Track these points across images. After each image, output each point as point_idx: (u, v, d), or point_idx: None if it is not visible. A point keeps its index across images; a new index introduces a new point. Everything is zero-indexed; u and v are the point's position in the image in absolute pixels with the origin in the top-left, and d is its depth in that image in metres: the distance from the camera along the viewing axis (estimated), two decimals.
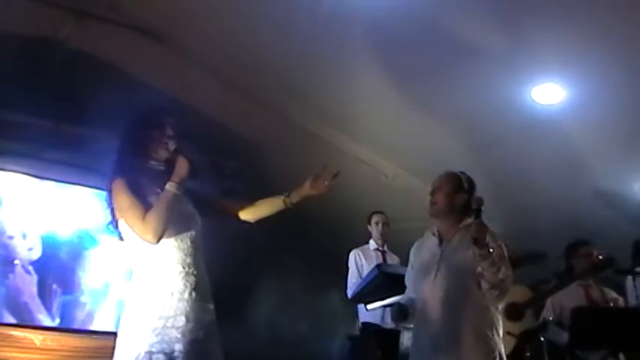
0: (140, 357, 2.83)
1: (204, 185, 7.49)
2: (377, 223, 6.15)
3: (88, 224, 7.20)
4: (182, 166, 3.03)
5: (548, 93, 5.75)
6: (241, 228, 6.71)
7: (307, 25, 5.52)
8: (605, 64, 5.26)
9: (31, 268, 6.85)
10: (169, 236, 3.01)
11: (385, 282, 4.89)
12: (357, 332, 6.02)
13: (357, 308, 5.90)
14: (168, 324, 2.90)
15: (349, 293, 5.70)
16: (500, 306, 3.81)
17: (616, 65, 5.26)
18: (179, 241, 3.05)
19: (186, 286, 2.99)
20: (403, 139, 6.71)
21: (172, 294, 2.96)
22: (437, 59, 5.66)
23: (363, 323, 5.82)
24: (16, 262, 6.81)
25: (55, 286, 6.93)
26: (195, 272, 3.04)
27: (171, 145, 3.14)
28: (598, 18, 4.89)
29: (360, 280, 5.57)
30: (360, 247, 6.09)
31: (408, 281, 4.05)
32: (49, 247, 7.01)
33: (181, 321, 2.92)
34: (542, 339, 5.06)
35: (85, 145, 6.42)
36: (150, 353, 2.83)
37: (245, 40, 6.01)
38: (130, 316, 2.96)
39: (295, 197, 3.32)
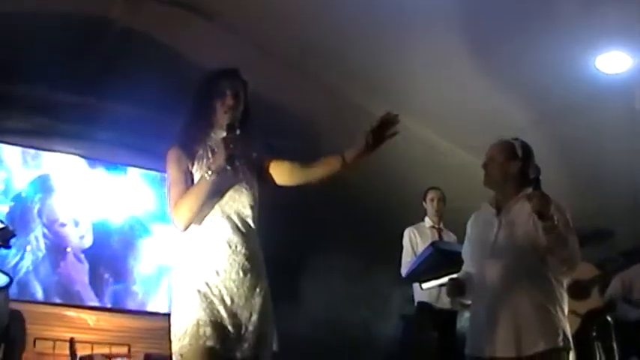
0: (188, 330, 2.74)
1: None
2: (432, 200, 5.95)
3: (140, 212, 7.30)
4: (219, 157, 2.84)
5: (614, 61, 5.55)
6: (297, 209, 6.69)
7: (369, 6, 5.45)
8: None
9: (82, 256, 6.98)
10: (215, 212, 2.89)
11: (441, 260, 4.76)
12: (411, 312, 5.88)
13: (412, 288, 5.74)
14: (216, 301, 2.80)
15: (403, 272, 5.55)
16: (565, 282, 3.61)
17: None
18: (226, 217, 2.90)
19: (232, 266, 2.86)
20: (462, 115, 6.56)
21: (218, 273, 2.83)
22: (499, 30, 5.54)
23: (418, 303, 5.63)
24: (68, 249, 6.94)
25: (106, 275, 7.04)
26: (244, 251, 2.89)
27: (226, 119, 2.93)
28: None
29: (414, 259, 5.43)
30: (415, 225, 5.91)
31: (464, 255, 3.87)
32: (101, 235, 7.12)
33: (227, 301, 2.81)
34: (608, 318, 4.92)
35: (135, 125, 6.49)
36: (197, 326, 2.73)
37: (299, 17, 5.96)
38: (179, 290, 2.87)
39: (351, 154, 2.90)
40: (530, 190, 3.47)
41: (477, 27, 5.64)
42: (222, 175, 2.86)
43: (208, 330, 2.72)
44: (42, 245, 6.78)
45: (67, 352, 5.78)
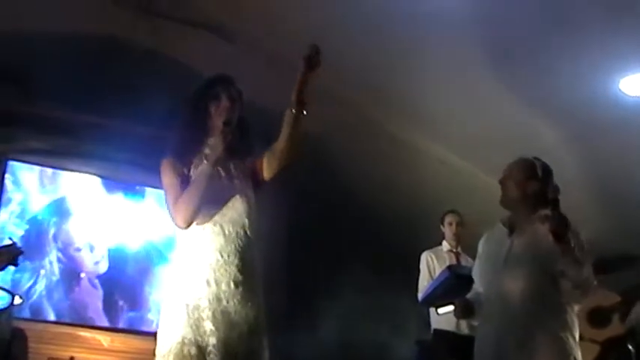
0: (172, 348, 2.71)
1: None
2: (450, 224, 5.92)
3: (157, 238, 7.28)
4: (217, 146, 2.86)
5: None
6: (310, 232, 6.64)
7: (385, 18, 5.39)
8: None
9: (97, 281, 7.00)
10: (207, 221, 2.87)
11: (457, 284, 4.68)
12: (427, 338, 5.82)
13: (429, 313, 5.72)
14: (204, 315, 2.76)
15: (420, 297, 5.54)
16: (577, 308, 3.55)
17: None
18: (219, 226, 2.87)
19: (223, 276, 2.82)
20: (481, 135, 6.51)
21: (209, 284, 2.80)
22: (522, 47, 5.47)
23: (435, 330, 5.61)
24: (82, 275, 6.95)
25: (121, 302, 7.05)
26: (236, 262, 2.85)
27: (222, 117, 2.92)
28: None
29: (431, 283, 5.42)
30: (433, 249, 5.88)
31: (474, 274, 3.85)
32: (117, 260, 7.12)
33: (217, 313, 2.77)
34: (630, 347, 4.84)
35: (152, 145, 6.37)
36: (182, 344, 2.71)
37: (310, 29, 5.69)
38: (167, 305, 2.85)
39: (294, 96, 2.86)
40: (546, 211, 3.39)
41: (500, 44, 5.57)
42: (217, 180, 2.87)
43: (193, 349, 2.70)
44: (56, 270, 6.80)
45: None
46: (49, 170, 7.04)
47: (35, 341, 5.32)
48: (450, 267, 5.16)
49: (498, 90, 6.00)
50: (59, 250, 6.88)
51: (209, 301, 2.77)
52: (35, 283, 6.55)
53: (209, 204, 2.86)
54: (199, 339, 2.72)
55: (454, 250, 5.84)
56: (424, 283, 5.60)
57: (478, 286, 3.80)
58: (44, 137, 6.57)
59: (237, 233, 2.89)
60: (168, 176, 2.90)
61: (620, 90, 5.54)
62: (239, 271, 2.84)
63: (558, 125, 6.05)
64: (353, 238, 7.28)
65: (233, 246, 2.86)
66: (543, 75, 5.72)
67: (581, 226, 3.48)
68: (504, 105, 6.12)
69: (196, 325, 2.74)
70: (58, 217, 7.01)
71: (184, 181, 2.88)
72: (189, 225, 2.84)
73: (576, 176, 5.89)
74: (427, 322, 5.75)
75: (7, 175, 6.82)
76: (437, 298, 5.07)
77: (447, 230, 5.91)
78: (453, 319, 5.29)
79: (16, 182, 6.91)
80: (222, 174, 2.95)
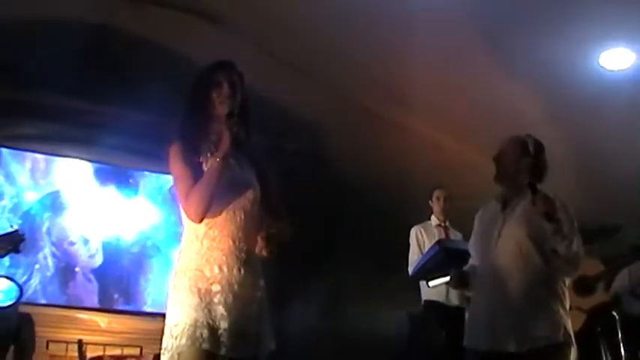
0: (185, 330, 2.73)
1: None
2: (438, 199, 6.07)
3: (151, 232, 7.33)
4: (225, 141, 2.85)
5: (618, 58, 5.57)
6: (308, 207, 6.68)
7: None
8: None
9: (92, 276, 7.01)
10: (220, 208, 2.89)
11: (447, 257, 4.82)
12: (418, 311, 5.94)
13: (419, 286, 5.82)
14: (215, 300, 2.80)
15: (410, 271, 5.64)
16: (568, 280, 3.65)
17: None
18: (231, 213, 2.91)
19: (235, 262, 2.87)
20: (467, 113, 6.62)
21: (221, 269, 2.84)
22: (505, 28, 5.55)
23: (425, 301, 5.74)
24: (77, 269, 6.96)
25: (116, 295, 7.08)
26: (245, 248, 2.91)
27: (225, 106, 2.93)
28: None
29: (421, 257, 5.52)
30: (422, 224, 6.01)
31: (470, 248, 3.92)
32: (111, 254, 7.13)
33: (228, 298, 2.81)
34: (614, 314, 4.95)
35: (143, 130, 6.50)
36: (194, 327, 2.73)
37: (303, 19, 5.99)
38: (179, 288, 2.86)
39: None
40: (530, 196, 3.50)
41: (484, 25, 5.62)
42: (229, 168, 2.88)
43: (205, 332, 2.73)
44: (50, 264, 6.80)
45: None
46: (42, 161, 7.00)
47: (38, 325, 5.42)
48: (439, 241, 5.25)
49: (483, 67, 6.05)
50: (53, 244, 6.87)
51: (222, 286, 2.82)
52: (30, 278, 6.54)
53: (222, 192, 2.88)
54: (211, 322, 2.75)
55: (442, 225, 6.00)
56: (414, 257, 5.72)
57: (474, 260, 3.85)
58: (35, 123, 6.59)
59: (247, 220, 2.93)
60: (178, 165, 2.89)
61: (599, 65, 5.62)
62: (247, 256, 2.90)
63: (540, 101, 6.12)
64: (345, 216, 7.37)
65: (242, 232, 2.91)
66: (524, 51, 5.78)
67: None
68: (489, 83, 6.19)
69: (208, 309, 2.77)
70: (51, 211, 6.98)
71: (194, 169, 2.88)
72: (201, 220, 2.85)
73: (558, 151, 5.92)
74: (419, 295, 5.83)
75: None
76: (427, 271, 5.14)
77: (436, 205, 6.05)
78: (443, 292, 5.60)
79: (8, 176, 6.88)
80: (234, 164, 2.96)
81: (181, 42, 6.53)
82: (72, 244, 6.93)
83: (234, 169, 2.96)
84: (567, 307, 3.54)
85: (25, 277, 6.46)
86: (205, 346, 2.71)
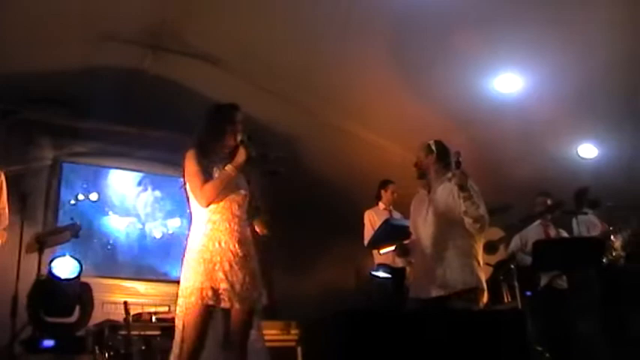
0: (194, 290, 2.89)
1: (255, 170, 7.75)
2: (393, 193, 6.14)
3: (173, 222, 7.28)
4: (241, 155, 3.05)
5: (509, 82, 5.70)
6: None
7: (328, 29, 5.53)
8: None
9: (131, 255, 7.01)
10: (222, 199, 3.04)
11: (392, 232, 4.85)
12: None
13: (372, 254, 5.96)
14: (216, 267, 2.93)
15: (365, 243, 5.74)
16: (480, 241, 3.79)
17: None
18: (229, 203, 3.06)
19: (231, 239, 3.01)
20: (404, 124, 6.64)
21: (220, 244, 2.99)
22: (425, 57, 5.65)
23: (377, 264, 5.84)
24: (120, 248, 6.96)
25: (150, 269, 7.00)
26: (239, 229, 3.06)
27: (238, 137, 3.13)
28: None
29: (373, 232, 5.58)
30: (373, 209, 6.14)
31: (410, 226, 4.07)
32: (145, 239, 7.12)
33: (226, 266, 2.95)
34: (512, 266, 5.12)
35: (164, 144, 6.57)
36: (201, 287, 2.89)
37: (283, 57, 6.09)
38: (190, 259, 2.99)
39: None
40: (449, 174, 3.72)
41: (405, 60, 5.72)
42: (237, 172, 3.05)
43: (209, 292, 2.88)
44: (100, 247, 6.86)
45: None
46: (92, 172, 6.98)
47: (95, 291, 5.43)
48: (386, 220, 5.35)
49: (411, 93, 6.17)
50: (103, 233, 6.90)
51: (221, 257, 2.96)
52: (87, 256, 6.41)
53: (225, 189, 3.04)
54: (213, 284, 2.90)
55: (388, 209, 6.11)
56: (368, 233, 5.77)
57: (413, 234, 4.00)
58: (87, 143, 6.62)
59: (241, 210, 3.10)
60: (193, 165, 3.01)
61: (494, 88, 5.76)
62: (242, 236, 3.06)
63: (452, 117, 6.19)
64: (315, 202, 7.39)
65: (237, 219, 3.07)
66: (430, 72, 5.82)
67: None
68: (416, 104, 6.29)
69: (211, 275, 2.91)
70: (100, 209, 6.96)
71: (205, 171, 3.01)
72: (209, 205, 3.00)
73: (465, 153, 6.07)
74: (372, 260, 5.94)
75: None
76: (378, 242, 5.16)
77: (388, 195, 6.11)
78: (390, 257, 5.61)
79: (67, 184, 6.85)
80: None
81: (191, 79, 6.61)
82: (116, 238, 6.94)
83: (238, 175, 3.12)
84: (481, 261, 3.71)
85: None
86: (210, 302, 2.88)
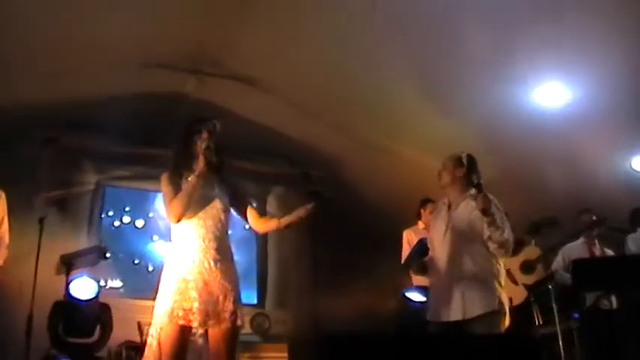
0: (167, 310, 2.86)
1: (295, 191, 7.81)
2: (432, 211, 5.54)
3: None
4: (200, 162, 3.02)
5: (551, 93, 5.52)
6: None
7: (365, 47, 5.52)
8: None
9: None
10: (193, 216, 3.01)
11: (427, 250, 4.70)
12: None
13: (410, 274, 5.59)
14: (190, 286, 2.89)
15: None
16: (503, 261, 3.61)
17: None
18: (202, 220, 3.02)
19: (205, 257, 2.97)
20: (442, 140, 6.20)
21: (193, 262, 2.95)
22: (467, 72, 5.56)
23: (415, 286, 5.58)
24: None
25: None
26: (214, 246, 3.01)
27: (201, 144, 3.09)
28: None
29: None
30: (412, 228, 6.00)
31: (428, 242, 3.89)
32: None
33: (200, 284, 2.91)
34: (549, 286, 4.91)
35: None
36: (172, 309, 2.85)
37: (322, 75, 6.13)
38: (164, 278, 2.98)
39: (285, 221, 3.17)
40: (474, 190, 3.55)
41: (447, 69, 5.60)
42: (203, 189, 3.02)
43: (181, 312, 2.84)
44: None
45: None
46: (137, 192, 7.06)
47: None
48: (421, 239, 4.91)
49: (447, 111, 6.08)
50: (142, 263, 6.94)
51: (194, 275, 2.92)
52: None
53: (196, 205, 3.01)
54: (185, 304, 2.85)
55: (427, 228, 5.65)
56: (406, 253, 5.44)
57: (431, 252, 3.80)
58: (127, 167, 6.73)
59: (215, 226, 3.04)
60: (165, 186, 3.04)
61: (534, 100, 5.55)
62: (217, 253, 3.00)
63: (488, 135, 6.03)
64: (356, 221, 7.37)
65: (212, 235, 3.01)
66: (462, 89, 5.72)
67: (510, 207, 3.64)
68: (455, 120, 6.17)
69: (183, 293, 2.87)
70: (144, 237, 7.02)
71: (178, 189, 3.01)
72: (179, 220, 2.97)
73: (503, 172, 5.89)
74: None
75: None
76: (413, 261, 4.79)
77: (427, 214, 5.82)
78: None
79: (110, 206, 6.99)
80: (207, 185, 3.09)
81: (233, 102, 6.75)
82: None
83: (206, 189, 3.07)
84: (502, 282, 3.51)
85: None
86: (181, 322, 2.83)
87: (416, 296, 5.35)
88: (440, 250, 3.68)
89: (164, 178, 3.09)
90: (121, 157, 6.68)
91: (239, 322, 2.99)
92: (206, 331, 2.96)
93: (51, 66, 5.68)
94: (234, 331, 2.98)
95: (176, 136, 3.22)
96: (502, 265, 3.59)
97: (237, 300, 3.02)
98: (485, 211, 3.36)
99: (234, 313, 2.98)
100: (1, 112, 5.77)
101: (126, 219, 7.08)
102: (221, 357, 2.94)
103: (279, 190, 7.60)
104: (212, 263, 2.99)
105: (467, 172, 3.69)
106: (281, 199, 7.71)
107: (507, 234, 3.44)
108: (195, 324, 2.86)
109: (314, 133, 7.17)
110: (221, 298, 2.96)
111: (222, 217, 3.12)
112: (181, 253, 3.01)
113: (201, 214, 3.03)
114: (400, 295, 5.61)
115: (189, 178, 3.02)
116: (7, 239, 4.94)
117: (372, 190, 7.63)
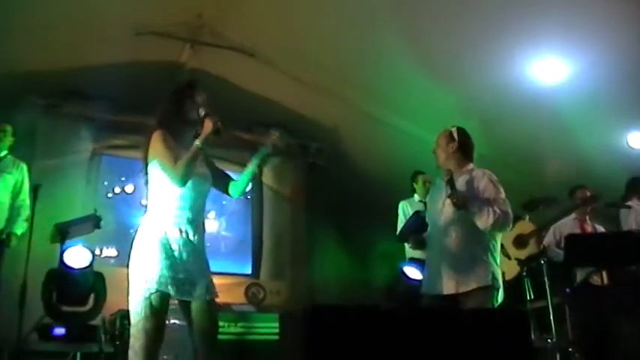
0: (155, 273, 2.79)
1: (292, 162, 7.87)
2: (425, 183, 5.93)
3: None
4: (207, 127, 2.89)
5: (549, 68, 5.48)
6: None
7: (365, 19, 5.52)
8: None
9: None
10: (187, 188, 2.93)
11: (423, 224, 4.40)
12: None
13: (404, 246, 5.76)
14: (176, 253, 2.87)
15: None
16: (500, 235, 3.61)
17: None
18: (193, 193, 2.96)
19: (191, 227, 2.94)
20: (440, 114, 6.13)
21: (181, 232, 2.91)
22: (467, 46, 5.52)
23: (409, 259, 5.66)
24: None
25: None
26: (199, 219, 2.99)
27: (201, 111, 2.98)
28: None
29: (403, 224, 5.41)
30: (407, 200, 6.00)
31: (426, 217, 3.89)
32: None
33: (184, 255, 2.88)
34: (542, 261, 4.92)
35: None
36: (161, 270, 2.79)
37: (320, 47, 6.14)
38: (146, 246, 2.87)
39: (255, 164, 3.09)
40: (471, 165, 3.60)
41: (437, 49, 5.64)
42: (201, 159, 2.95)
43: (169, 280, 2.79)
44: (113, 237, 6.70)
45: None
46: (129, 164, 6.79)
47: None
48: (417, 212, 4.97)
49: (446, 83, 6.04)
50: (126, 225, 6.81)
51: (179, 245, 2.87)
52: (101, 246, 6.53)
53: (194, 176, 2.91)
54: (172, 273, 2.80)
55: (423, 201, 5.80)
56: (401, 225, 5.60)
57: (428, 226, 3.79)
58: (126, 136, 6.68)
59: (202, 200, 3.02)
60: (163, 145, 2.90)
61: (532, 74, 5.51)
62: (198, 226, 2.97)
63: (484, 108, 5.99)
64: (353, 192, 7.42)
65: (199, 208, 3.00)
66: (459, 61, 5.70)
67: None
68: (451, 92, 6.15)
69: (170, 262, 2.82)
70: (135, 205, 6.91)
71: (176, 150, 2.90)
72: (185, 183, 2.87)
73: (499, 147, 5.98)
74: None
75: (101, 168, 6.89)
76: (408, 234, 4.67)
77: (421, 187, 5.92)
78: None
79: (106, 175, 7.00)
80: (202, 159, 3.03)
81: (230, 72, 6.82)
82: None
83: (201, 164, 3.01)
84: (497, 258, 3.51)
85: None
86: (169, 290, 2.78)
87: (413, 272, 5.36)
88: (436, 226, 3.69)
89: (158, 136, 2.95)
90: (117, 125, 6.65)
91: (215, 295, 2.97)
92: (185, 304, 2.93)
93: (48, 35, 5.68)
94: (214, 304, 2.96)
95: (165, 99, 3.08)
96: (498, 240, 3.61)
97: (209, 275, 3.01)
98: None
99: (213, 287, 2.96)
100: None
101: (118, 189, 7.10)
102: (209, 326, 2.93)
103: (276, 162, 7.61)
104: (197, 236, 2.97)
105: (459, 146, 3.69)
106: (277, 170, 7.73)
107: (494, 214, 3.41)
108: (179, 294, 2.84)
109: (312, 105, 7.19)
110: (204, 263, 2.98)
111: (206, 195, 3.09)
112: (169, 219, 2.93)
113: (190, 184, 2.94)
114: (397, 269, 5.63)
115: (197, 142, 2.88)
116: (28, 211, 4.97)
117: (369, 161, 7.65)
